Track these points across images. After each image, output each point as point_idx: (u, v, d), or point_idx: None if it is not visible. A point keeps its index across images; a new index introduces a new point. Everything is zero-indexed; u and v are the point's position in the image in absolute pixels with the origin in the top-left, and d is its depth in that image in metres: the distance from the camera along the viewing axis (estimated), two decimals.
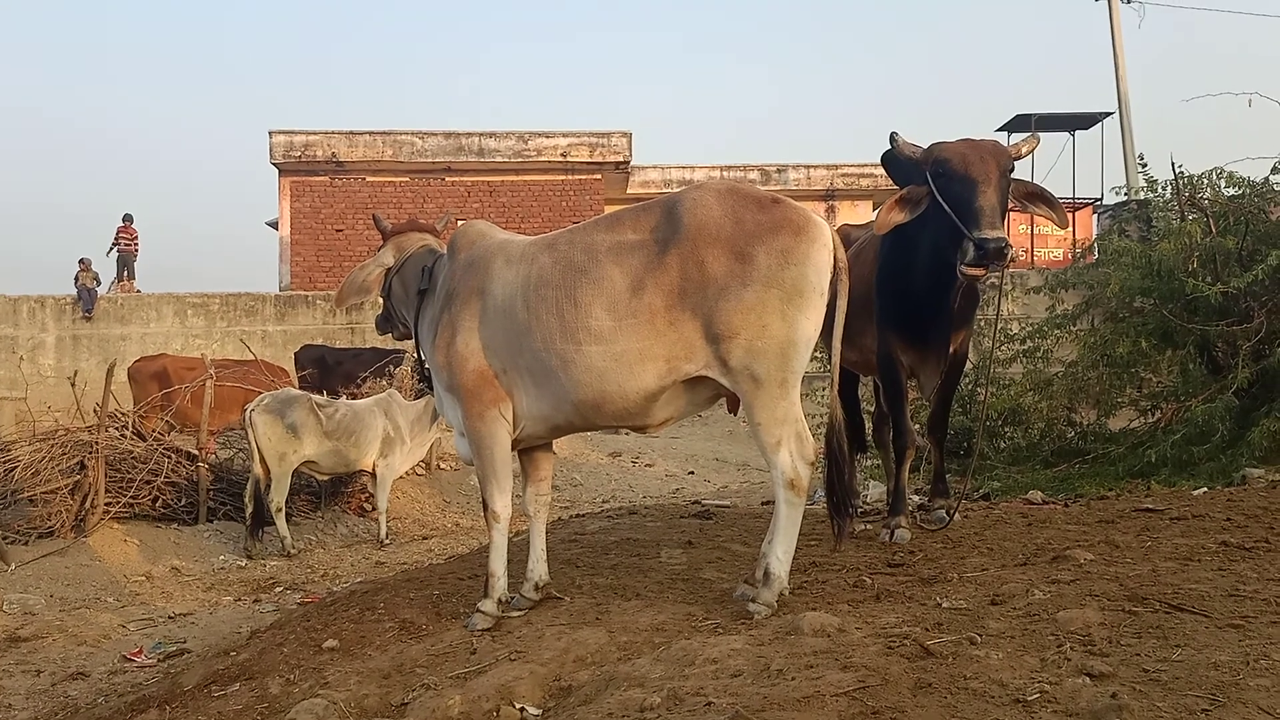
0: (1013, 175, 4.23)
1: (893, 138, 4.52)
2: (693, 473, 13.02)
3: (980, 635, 2.66)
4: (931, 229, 4.24)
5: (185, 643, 5.86)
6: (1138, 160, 10.13)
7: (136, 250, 22.12)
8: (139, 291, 21.25)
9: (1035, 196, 4.39)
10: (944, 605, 3.08)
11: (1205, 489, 5.30)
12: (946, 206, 4.09)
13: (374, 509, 9.55)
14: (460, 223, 4.40)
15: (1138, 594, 2.93)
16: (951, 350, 4.73)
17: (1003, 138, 19.99)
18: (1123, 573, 3.24)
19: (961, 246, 4.03)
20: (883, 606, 3.18)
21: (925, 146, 4.41)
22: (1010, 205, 4.31)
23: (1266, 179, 7.32)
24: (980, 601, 3.07)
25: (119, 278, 21.73)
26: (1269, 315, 6.57)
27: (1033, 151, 4.54)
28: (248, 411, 8.91)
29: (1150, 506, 4.57)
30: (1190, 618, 2.69)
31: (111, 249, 21.72)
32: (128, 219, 22.00)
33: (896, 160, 4.54)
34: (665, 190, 20.13)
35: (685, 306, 3.40)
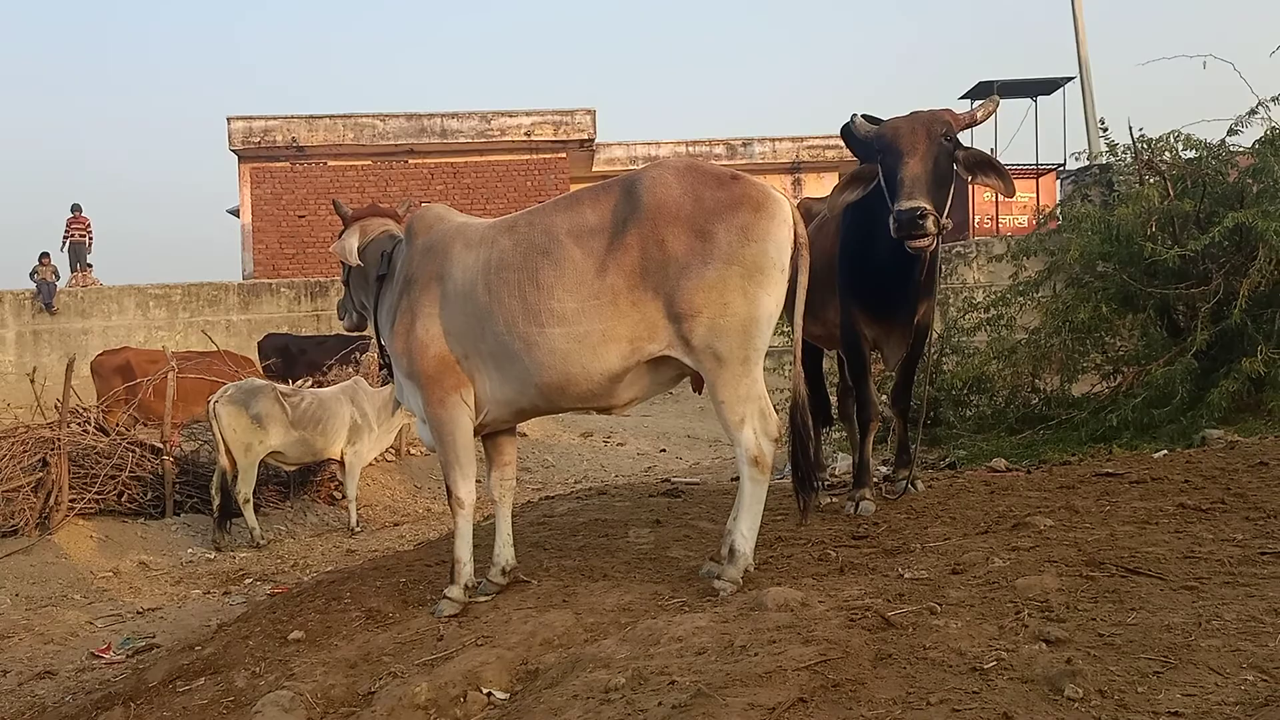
0: (951, 142, 4.19)
1: (852, 118, 4.53)
2: (665, 450, 13.03)
3: (940, 605, 2.68)
4: (886, 203, 4.25)
5: (154, 638, 5.81)
6: (1099, 125, 10.19)
7: (91, 239, 21.68)
8: (98, 283, 20.89)
9: (983, 165, 4.36)
10: (906, 576, 3.10)
11: (1166, 451, 5.37)
12: (882, 181, 4.13)
13: (344, 497, 9.49)
14: (422, 205, 4.34)
15: (1095, 559, 2.97)
16: (914, 322, 4.75)
17: (965, 105, 20.07)
18: (1081, 538, 3.28)
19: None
20: (846, 579, 3.20)
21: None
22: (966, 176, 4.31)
23: (1223, 141, 7.39)
24: (941, 571, 3.10)
25: (74, 269, 21.33)
26: (1227, 277, 6.65)
27: (990, 115, 4.52)
28: (212, 403, 8.81)
29: (1110, 471, 4.62)
30: (1146, 581, 2.73)
31: (65, 242, 21.28)
32: (76, 209, 21.47)
33: (855, 136, 4.55)
34: (631, 167, 20.03)
35: (647, 286, 3.38)
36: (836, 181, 4.71)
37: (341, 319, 4.64)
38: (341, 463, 9.32)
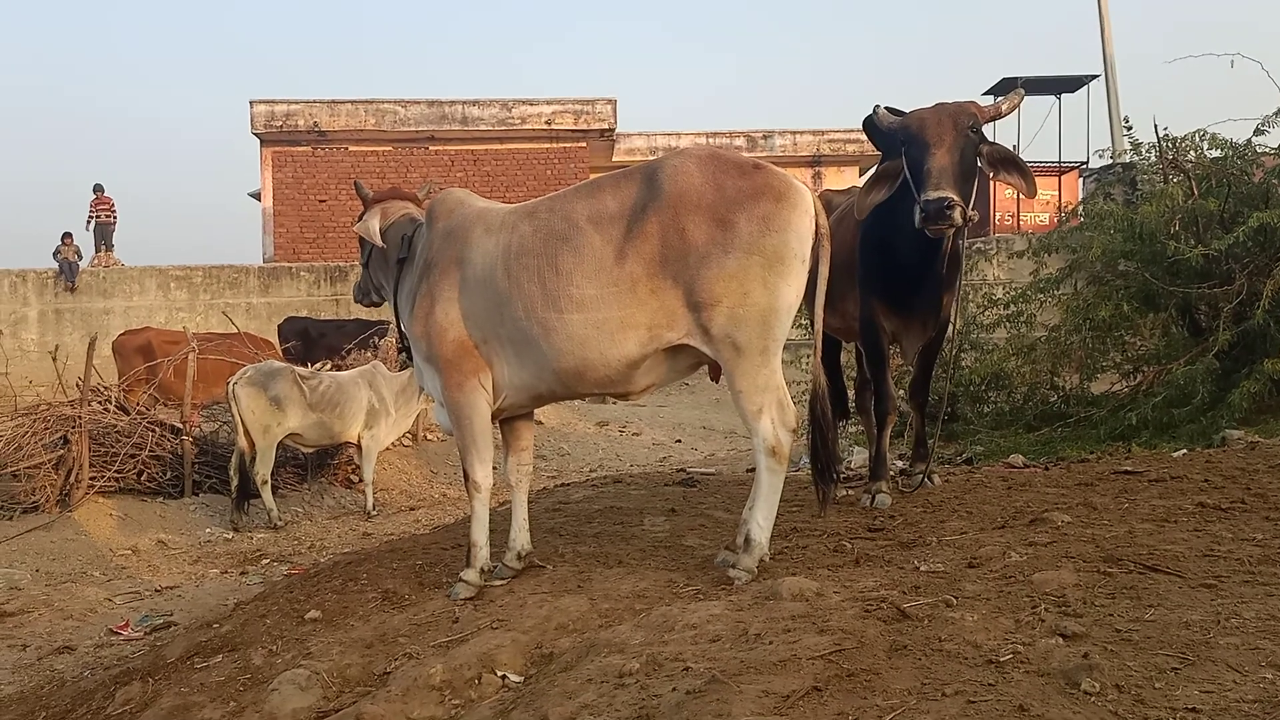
0: (977, 135, 4.16)
1: (875, 109, 4.50)
2: (680, 441, 13.04)
3: (956, 598, 2.68)
4: (910, 195, 4.23)
5: (172, 615, 5.86)
6: (1123, 123, 10.10)
7: (114, 220, 21.80)
8: (120, 263, 21.04)
9: (1007, 162, 4.32)
10: (922, 569, 3.10)
11: (1185, 451, 5.34)
12: (907, 172, 4.10)
13: (360, 480, 9.55)
14: (442, 190, 4.34)
15: (1113, 555, 2.95)
16: (934, 315, 4.73)
17: (989, 101, 19.90)
18: (1099, 534, 3.27)
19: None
20: (861, 571, 3.20)
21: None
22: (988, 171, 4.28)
23: (1249, 141, 7.31)
24: (958, 564, 3.10)
25: (98, 250, 21.47)
26: (1250, 277, 6.59)
27: (1015, 108, 4.48)
28: (231, 384, 8.87)
29: (1129, 469, 4.60)
30: (1164, 578, 2.71)
31: (90, 222, 21.42)
32: (98, 189, 21.59)
33: (877, 128, 4.53)
34: (651, 158, 19.96)
35: (667, 274, 3.38)
36: (857, 175, 4.70)
37: (359, 301, 4.66)
38: (358, 446, 9.38)
